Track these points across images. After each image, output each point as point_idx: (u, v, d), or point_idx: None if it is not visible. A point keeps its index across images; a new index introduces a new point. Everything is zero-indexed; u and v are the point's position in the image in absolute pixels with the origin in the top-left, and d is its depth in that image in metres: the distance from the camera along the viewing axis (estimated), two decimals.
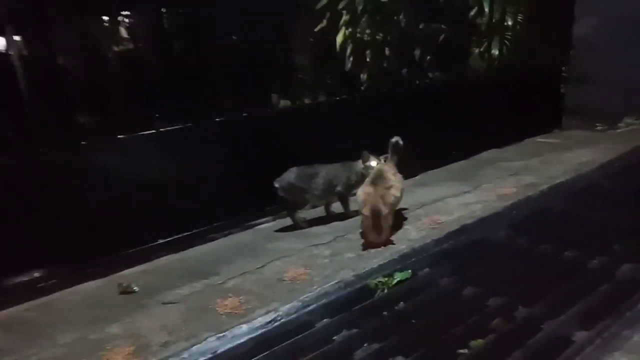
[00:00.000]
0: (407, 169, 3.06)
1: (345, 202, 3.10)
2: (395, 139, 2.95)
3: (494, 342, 1.83)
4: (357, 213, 2.84)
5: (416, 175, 3.87)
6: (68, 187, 2.64)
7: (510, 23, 5.15)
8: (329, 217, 3.17)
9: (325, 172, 3.01)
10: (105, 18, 3.11)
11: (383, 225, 2.59)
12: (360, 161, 3.06)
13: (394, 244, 2.67)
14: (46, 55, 2.78)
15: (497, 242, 2.69)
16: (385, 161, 2.98)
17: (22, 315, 2.33)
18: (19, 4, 2.45)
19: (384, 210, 2.57)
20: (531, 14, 5.24)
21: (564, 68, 5.19)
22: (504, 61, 5.05)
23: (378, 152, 3.04)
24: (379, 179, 2.74)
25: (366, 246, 2.66)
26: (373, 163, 2.98)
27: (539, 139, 4.93)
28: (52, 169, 2.61)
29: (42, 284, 2.58)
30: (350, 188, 3.05)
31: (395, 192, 2.73)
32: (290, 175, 2.96)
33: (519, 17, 5.21)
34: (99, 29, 2.95)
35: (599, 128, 5.02)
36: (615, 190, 3.26)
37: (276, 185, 2.94)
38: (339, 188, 3.05)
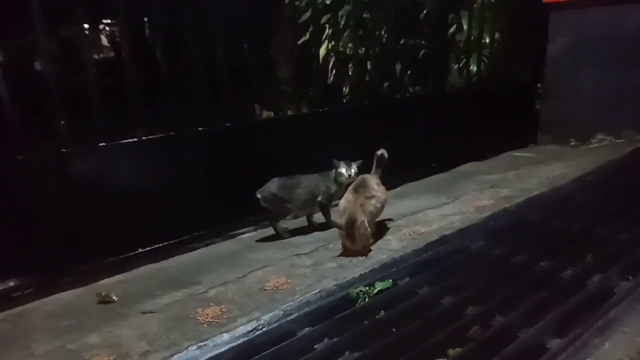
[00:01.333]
0: (387, 181, 3.12)
1: (326, 212, 3.13)
2: (380, 151, 3.02)
3: (471, 351, 1.86)
4: (337, 223, 2.87)
5: (396, 187, 3.94)
6: (47, 195, 2.61)
7: (487, 41, 5.30)
8: (311, 227, 3.20)
9: (306, 182, 3.06)
10: (87, 26, 3.10)
11: (356, 234, 2.62)
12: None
13: (370, 251, 2.71)
14: (26, 63, 2.76)
15: (475, 252, 2.74)
16: (357, 167, 3.07)
17: None
18: None
19: (359, 218, 2.61)
20: (508, 33, 5.41)
21: (539, 85, 5.36)
22: (481, 77, 5.18)
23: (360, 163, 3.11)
24: (361, 187, 2.79)
25: (343, 254, 2.70)
26: (343, 170, 3.05)
27: (515, 153, 5.08)
28: (32, 176, 2.57)
29: (17, 294, 2.52)
30: (331, 198, 3.10)
31: (376, 202, 2.79)
32: (272, 185, 2.99)
33: (497, 36, 5.37)
34: (82, 38, 2.94)
35: (572, 143, 5.19)
36: (588, 203, 3.36)
37: (258, 195, 2.97)
38: (319, 198, 3.08)
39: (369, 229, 2.67)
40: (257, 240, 3.11)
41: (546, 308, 2.10)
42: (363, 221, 2.62)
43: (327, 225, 3.09)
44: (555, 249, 2.67)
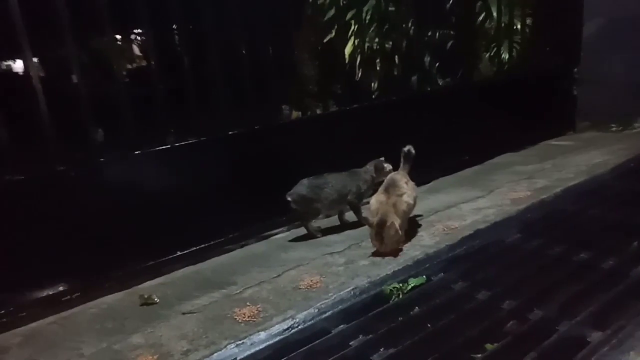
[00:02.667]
0: (419, 175, 3.10)
1: (357, 210, 3.15)
2: (407, 147, 3.01)
3: (508, 345, 1.84)
4: (368, 220, 2.89)
5: (429, 182, 3.90)
6: (88, 203, 2.72)
7: (519, 27, 5.16)
8: (343, 225, 3.22)
9: (334, 182, 3.08)
10: (118, 37, 3.20)
11: (385, 235, 2.61)
12: (367, 168, 3.15)
13: (400, 250, 2.70)
14: (61, 74, 2.88)
15: (511, 245, 2.69)
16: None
17: (47, 328, 2.41)
18: (33, 23, 2.56)
19: (390, 220, 2.60)
20: (540, 17, 5.25)
21: (575, 70, 5.18)
22: (514, 65, 5.05)
23: (390, 159, 3.10)
24: (391, 187, 2.78)
25: (375, 252, 2.71)
26: (388, 167, 3.10)
27: (552, 141, 4.93)
28: (73, 185, 2.69)
29: (66, 298, 2.65)
30: (361, 196, 3.12)
31: (408, 199, 2.78)
32: (301, 187, 3.03)
33: (528, 21, 5.22)
34: (111, 48, 3.04)
35: (613, 129, 4.99)
36: (629, 191, 3.24)
37: (288, 198, 3.00)
38: (350, 197, 3.10)
39: (399, 232, 2.65)
40: (289, 240, 3.15)
41: (586, 300, 2.05)
42: (393, 223, 2.60)
43: (359, 223, 3.11)
44: (595, 239, 2.60)
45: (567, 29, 5.14)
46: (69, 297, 2.65)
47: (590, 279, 2.22)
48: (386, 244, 2.64)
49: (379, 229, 2.62)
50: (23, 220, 2.55)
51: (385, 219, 2.60)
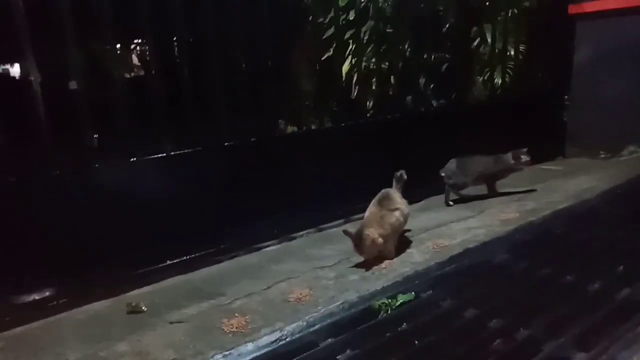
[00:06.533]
0: (411, 194, 3.15)
1: (489, 185, 3.82)
2: (400, 172, 3.10)
3: None
4: (496, 194, 3.81)
5: (420, 201, 3.94)
6: (79, 208, 2.72)
7: (512, 53, 5.27)
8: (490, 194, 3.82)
9: (478, 162, 3.74)
10: (117, 46, 3.23)
11: (363, 245, 2.65)
12: (507, 155, 3.72)
13: (381, 260, 2.75)
14: (59, 80, 2.90)
15: (499, 265, 2.72)
16: None
17: (32, 333, 2.37)
18: (33, 29, 2.58)
19: (368, 228, 2.66)
20: (533, 44, 5.37)
21: (566, 97, 5.29)
22: (506, 89, 5.15)
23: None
24: (385, 200, 2.83)
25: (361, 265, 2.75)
26: (525, 158, 3.73)
27: (542, 166, 4.98)
28: (65, 190, 2.69)
29: (52, 303, 2.63)
30: (496, 177, 3.81)
31: (399, 214, 2.81)
32: (452, 164, 3.68)
33: (521, 47, 5.34)
34: (109, 56, 3.07)
35: (602, 156, 5.07)
36: (616, 216, 3.29)
37: (442, 173, 3.69)
38: (488, 175, 3.75)
39: (378, 240, 2.66)
40: (280, 253, 3.15)
41: (571, 321, 2.07)
42: (368, 235, 2.63)
43: (488, 195, 3.82)
44: (581, 262, 2.63)
45: (558, 57, 5.26)
46: (55, 302, 2.63)
47: (576, 301, 2.25)
48: (366, 252, 2.69)
49: (357, 239, 2.66)
50: (12, 223, 2.54)
51: (361, 231, 2.65)
